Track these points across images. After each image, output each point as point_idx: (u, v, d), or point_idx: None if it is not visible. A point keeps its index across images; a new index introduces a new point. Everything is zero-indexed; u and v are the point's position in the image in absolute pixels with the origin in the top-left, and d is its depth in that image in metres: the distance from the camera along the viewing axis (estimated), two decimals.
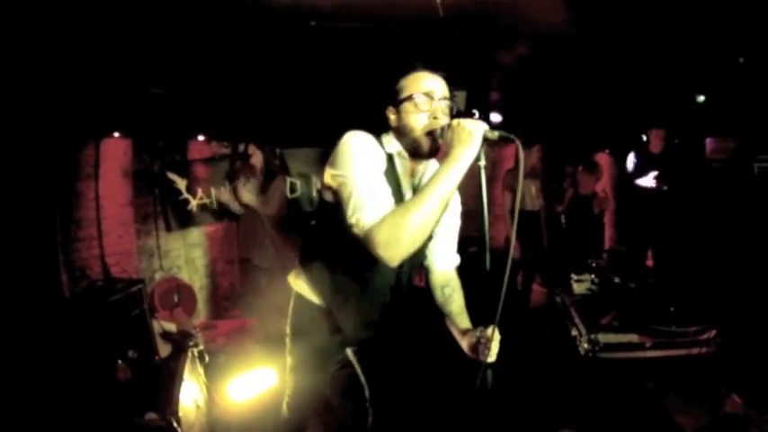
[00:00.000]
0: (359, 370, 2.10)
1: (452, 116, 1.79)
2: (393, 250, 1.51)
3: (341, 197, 1.66)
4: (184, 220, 5.36)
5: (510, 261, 1.58)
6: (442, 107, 1.77)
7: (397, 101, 1.81)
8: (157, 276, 5.17)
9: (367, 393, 2.08)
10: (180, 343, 3.50)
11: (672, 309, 3.49)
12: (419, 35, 3.55)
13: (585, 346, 3.36)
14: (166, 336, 3.98)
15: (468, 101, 5.37)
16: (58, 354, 3.24)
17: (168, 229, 5.27)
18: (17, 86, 3.29)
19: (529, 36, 3.72)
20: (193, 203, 5.38)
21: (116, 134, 4.69)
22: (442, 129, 1.68)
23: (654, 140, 5.40)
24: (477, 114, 5.78)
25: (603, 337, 3.33)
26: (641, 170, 5.46)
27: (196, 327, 4.30)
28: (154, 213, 5.21)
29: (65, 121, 3.97)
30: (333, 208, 1.75)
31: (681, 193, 5.30)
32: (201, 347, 3.57)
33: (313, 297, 1.97)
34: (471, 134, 1.54)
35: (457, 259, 2.15)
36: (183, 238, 5.47)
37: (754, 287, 4.05)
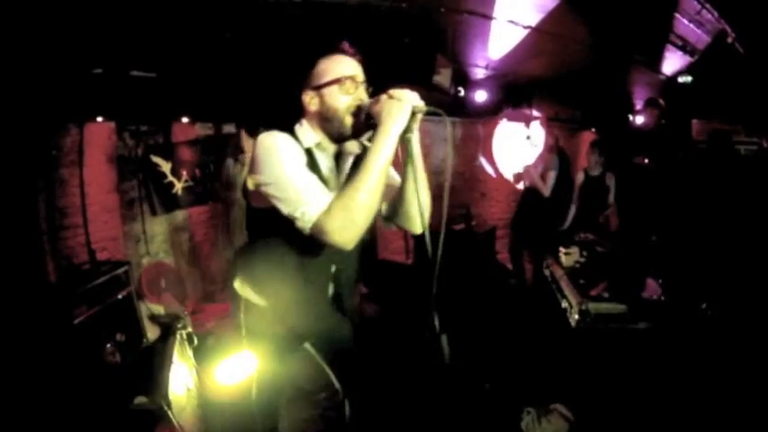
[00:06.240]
0: (323, 362, 2.08)
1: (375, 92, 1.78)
2: (348, 233, 1.55)
3: (274, 200, 1.65)
4: (169, 203, 5.29)
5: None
6: (365, 90, 1.80)
7: (318, 85, 1.78)
8: (144, 262, 5.11)
9: (337, 385, 2.06)
10: (168, 326, 3.48)
11: (660, 281, 3.49)
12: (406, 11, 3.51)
13: (576, 317, 3.35)
14: (154, 318, 3.95)
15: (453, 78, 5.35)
16: (45, 339, 3.21)
17: (153, 213, 5.20)
18: None
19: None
20: (178, 186, 5.31)
21: (99, 118, 4.58)
22: (371, 102, 1.69)
23: (647, 118, 5.41)
24: (462, 92, 5.76)
25: (594, 308, 3.33)
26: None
27: (184, 310, 4.27)
28: (139, 198, 5.12)
29: (47, 106, 3.88)
30: (260, 212, 1.75)
31: (669, 171, 5.32)
32: (190, 330, 3.54)
33: (260, 300, 1.95)
34: (400, 107, 1.57)
35: None
36: (169, 222, 5.39)
37: (742, 264, 4.08)
